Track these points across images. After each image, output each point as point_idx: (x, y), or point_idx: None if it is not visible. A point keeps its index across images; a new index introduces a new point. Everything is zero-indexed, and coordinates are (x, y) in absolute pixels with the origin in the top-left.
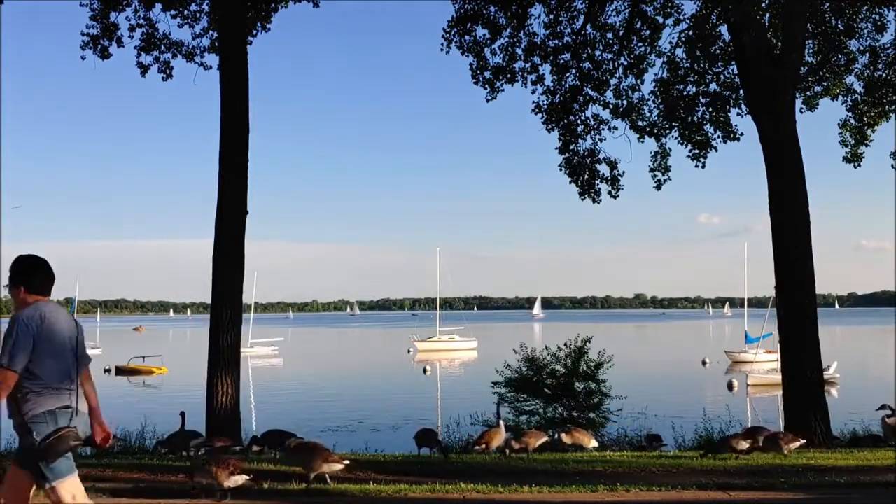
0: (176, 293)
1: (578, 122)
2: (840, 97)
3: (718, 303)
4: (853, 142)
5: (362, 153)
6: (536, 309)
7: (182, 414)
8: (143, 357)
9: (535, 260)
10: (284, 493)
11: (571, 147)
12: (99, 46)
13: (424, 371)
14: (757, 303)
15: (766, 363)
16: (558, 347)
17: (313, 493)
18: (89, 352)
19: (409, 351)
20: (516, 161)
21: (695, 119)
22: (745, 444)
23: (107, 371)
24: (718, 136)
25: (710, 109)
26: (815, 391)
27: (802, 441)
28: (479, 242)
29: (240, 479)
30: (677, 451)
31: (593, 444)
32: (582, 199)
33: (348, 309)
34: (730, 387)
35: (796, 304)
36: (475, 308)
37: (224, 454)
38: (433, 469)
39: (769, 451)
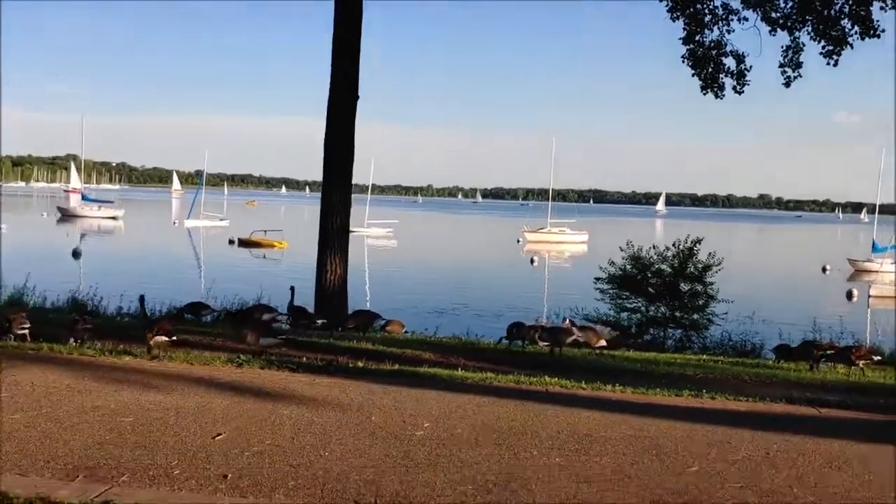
0: (298, 170)
1: (706, 10)
2: None
3: (849, 207)
4: None
5: (483, 37)
6: (660, 205)
7: (292, 288)
8: (265, 231)
9: (654, 154)
10: (376, 372)
11: (697, 38)
12: None
13: (532, 262)
14: (892, 210)
15: (892, 274)
16: (666, 247)
17: (404, 374)
18: (218, 223)
19: (518, 241)
20: (639, 51)
21: (832, 12)
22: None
23: (231, 242)
24: (856, 32)
25: (851, 2)
26: None
27: (878, 357)
28: (597, 134)
29: (161, 339)
30: (774, 361)
31: (601, 342)
32: (704, 94)
33: (460, 195)
34: (849, 296)
35: None
36: (591, 201)
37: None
38: (523, 361)
39: (839, 364)
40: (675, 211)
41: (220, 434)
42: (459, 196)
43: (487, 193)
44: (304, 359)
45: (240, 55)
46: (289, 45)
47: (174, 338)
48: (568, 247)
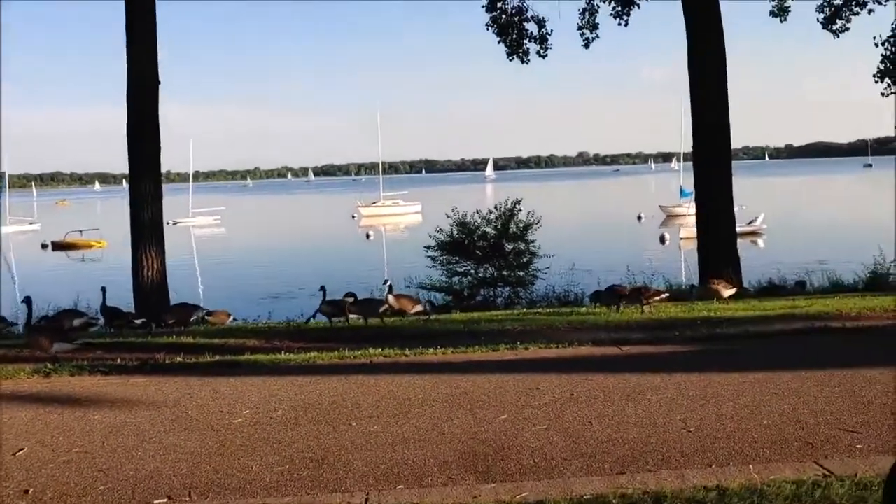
0: (113, 163)
1: None
2: None
3: (660, 158)
4: None
5: (296, 15)
6: (489, 171)
7: (103, 289)
8: (81, 231)
9: (479, 121)
10: (194, 366)
11: (499, 5)
12: None
13: (367, 236)
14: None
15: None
16: (489, 210)
17: (223, 364)
18: (27, 227)
19: (353, 217)
20: (453, 21)
21: None
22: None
23: (44, 246)
24: None
25: None
26: (728, 243)
27: (665, 294)
28: (421, 106)
29: (66, 346)
30: (591, 307)
31: (417, 308)
32: (510, 60)
33: (290, 175)
34: (662, 240)
35: (709, 156)
36: (423, 171)
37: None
38: (349, 335)
39: (633, 305)
40: (503, 175)
41: (21, 449)
42: (289, 176)
43: (319, 171)
44: (119, 360)
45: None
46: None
47: None
48: (402, 218)
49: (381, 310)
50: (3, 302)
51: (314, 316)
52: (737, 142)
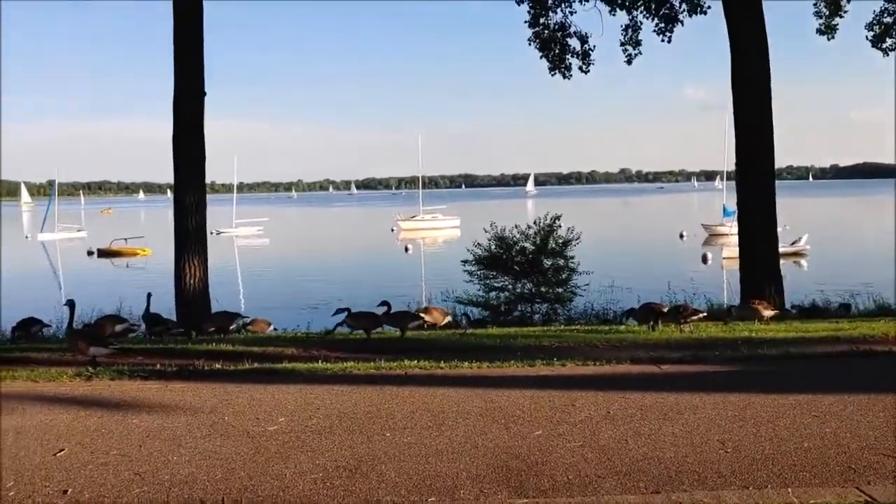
0: (159, 173)
1: None
2: None
3: (703, 176)
4: (827, 13)
5: (341, 35)
6: (530, 185)
7: (148, 295)
8: (126, 239)
9: (519, 137)
10: (232, 372)
11: (542, 20)
12: None
13: (406, 250)
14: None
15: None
16: (528, 226)
17: (261, 371)
18: (75, 234)
19: (392, 230)
20: (496, 39)
21: None
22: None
23: (90, 253)
24: (685, 10)
25: None
26: (771, 262)
27: (703, 314)
28: (462, 122)
29: (102, 350)
30: (627, 323)
31: (446, 320)
32: (552, 75)
33: (331, 188)
34: (704, 260)
35: (752, 177)
36: (462, 186)
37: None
38: (385, 346)
39: (671, 323)
40: (544, 190)
41: (62, 450)
42: (331, 189)
43: (360, 185)
44: (158, 366)
45: (84, 56)
46: (134, 43)
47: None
48: (441, 232)
49: (413, 324)
50: (46, 305)
51: (337, 327)
52: (781, 161)
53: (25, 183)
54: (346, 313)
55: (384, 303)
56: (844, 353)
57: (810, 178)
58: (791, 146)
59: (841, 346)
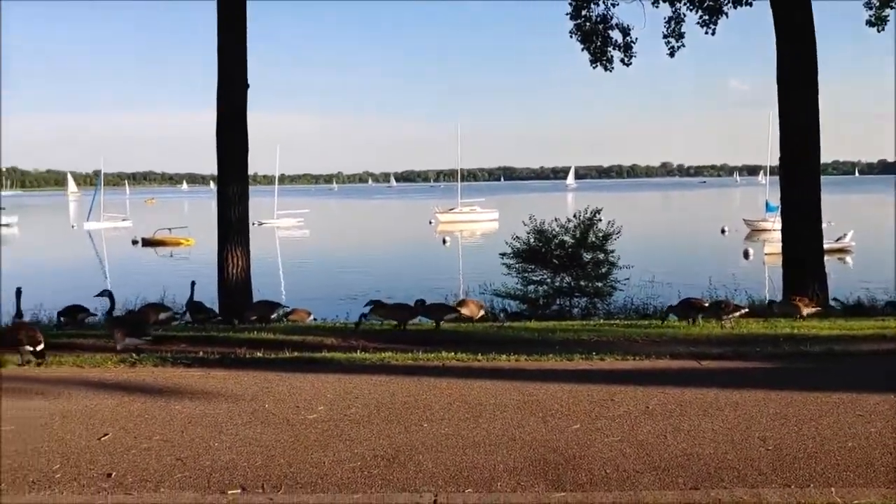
0: (202, 164)
1: None
2: None
3: (745, 171)
4: (878, 4)
5: (385, 31)
6: (570, 179)
7: (192, 283)
8: (170, 229)
9: (559, 130)
10: (273, 361)
11: (584, 12)
12: None
13: (444, 242)
14: None
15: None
16: (567, 219)
17: (301, 360)
18: (120, 224)
19: (430, 222)
20: (539, 34)
21: None
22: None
23: (134, 242)
24: (730, 1)
25: None
26: (815, 258)
27: (744, 310)
28: (502, 115)
29: (136, 341)
30: (668, 319)
31: (481, 313)
32: (594, 67)
33: (370, 181)
34: (745, 255)
35: (797, 174)
36: (501, 179)
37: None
38: (423, 338)
39: (712, 319)
40: (584, 184)
41: (106, 434)
42: (370, 181)
43: (399, 177)
44: (200, 353)
45: (130, 49)
46: (182, 36)
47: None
48: (479, 225)
49: (449, 316)
50: (91, 293)
51: (362, 318)
52: (825, 157)
53: (72, 173)
54: (371, 305)
55: (420, 301)
56: (891, 352)
57: (856, 174)
58: (837, 141)
59: (887, 345)
